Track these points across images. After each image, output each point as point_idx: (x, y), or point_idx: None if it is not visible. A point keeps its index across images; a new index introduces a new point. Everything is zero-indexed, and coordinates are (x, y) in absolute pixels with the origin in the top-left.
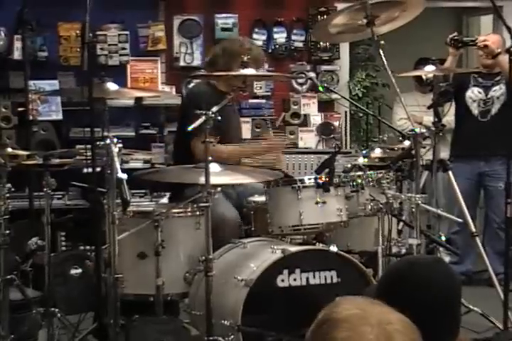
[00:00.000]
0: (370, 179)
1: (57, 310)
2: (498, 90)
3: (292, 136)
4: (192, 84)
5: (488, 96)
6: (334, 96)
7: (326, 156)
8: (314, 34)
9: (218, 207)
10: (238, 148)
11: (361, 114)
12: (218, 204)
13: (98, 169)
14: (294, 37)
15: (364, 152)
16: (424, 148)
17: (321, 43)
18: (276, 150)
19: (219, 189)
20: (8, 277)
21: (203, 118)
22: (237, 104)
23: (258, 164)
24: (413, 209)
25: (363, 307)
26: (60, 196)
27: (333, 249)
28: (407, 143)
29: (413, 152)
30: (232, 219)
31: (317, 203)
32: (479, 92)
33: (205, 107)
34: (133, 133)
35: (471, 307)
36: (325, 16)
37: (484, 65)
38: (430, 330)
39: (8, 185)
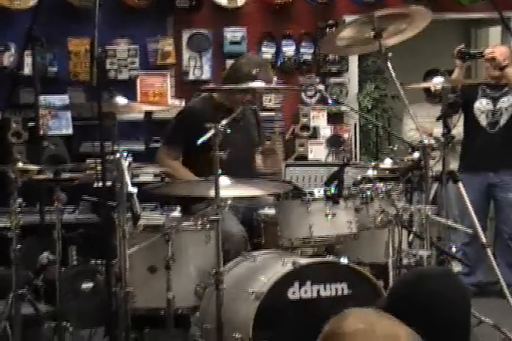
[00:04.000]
0: (380, 191)
1: (68, 324)
2: (507, 101)
3: (302, 149)
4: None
5: (497, 107)
6: (343, 108)
7: (336, 168)
8: (322, 47)
9: (223, 221)
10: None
11: (370, 126)
12: (223, 218)
13: (108, 183)
14: (302, 50)
15: (373, 163)
16: (434, 159)
17: (330, 56)
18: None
19: (229, 202)
20: (20, 292)
21: (213, 131)
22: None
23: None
24: (423, 221)
25: (370, 322)
26: (70, 210)
27: (344, 261)
28: (416, 154)
29: (422, 163)
30: (237, 233)
31: (327, 215)
32: (487, 103)
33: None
34: (143, 147)
35: (483, 318)
36: (333, 29)
37: (492, 77)
38: None
39: (19, 200)
